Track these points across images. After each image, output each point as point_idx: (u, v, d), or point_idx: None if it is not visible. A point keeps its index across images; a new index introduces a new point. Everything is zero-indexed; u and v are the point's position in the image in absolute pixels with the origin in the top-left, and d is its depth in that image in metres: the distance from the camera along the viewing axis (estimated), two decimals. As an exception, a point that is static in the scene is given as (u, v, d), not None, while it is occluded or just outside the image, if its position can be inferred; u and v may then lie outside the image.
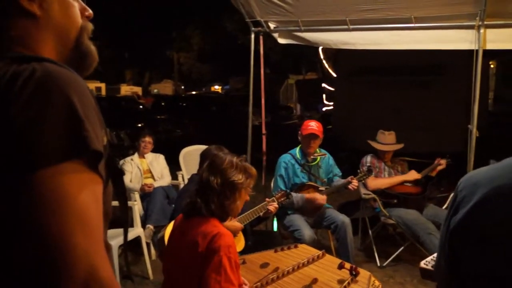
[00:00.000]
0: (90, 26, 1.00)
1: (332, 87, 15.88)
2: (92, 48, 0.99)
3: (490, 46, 4.23)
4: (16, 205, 0.69)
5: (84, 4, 1.00)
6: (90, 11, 1.01)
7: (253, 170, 2.29)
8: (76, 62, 0.94)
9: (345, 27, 4.55)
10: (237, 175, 2.17)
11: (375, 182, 4.67)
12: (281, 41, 5.06)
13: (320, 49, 13.54)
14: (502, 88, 16.60)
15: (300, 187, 4.24)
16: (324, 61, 16.47)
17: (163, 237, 2.96)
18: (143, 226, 4.58)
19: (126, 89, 35.41)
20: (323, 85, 20.01)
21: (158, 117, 17.32)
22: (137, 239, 4.28)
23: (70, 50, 0.94)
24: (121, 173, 0.91)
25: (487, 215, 1.23)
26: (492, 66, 16.92)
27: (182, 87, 42.92)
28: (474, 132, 4.23)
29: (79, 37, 0.96)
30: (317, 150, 4.38)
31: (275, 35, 5.02)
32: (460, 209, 1.30)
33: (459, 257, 1.32)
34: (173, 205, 4.01)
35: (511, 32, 4.20)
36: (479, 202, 1.24)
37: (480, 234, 1.25)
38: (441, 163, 4.81)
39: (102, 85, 33.65)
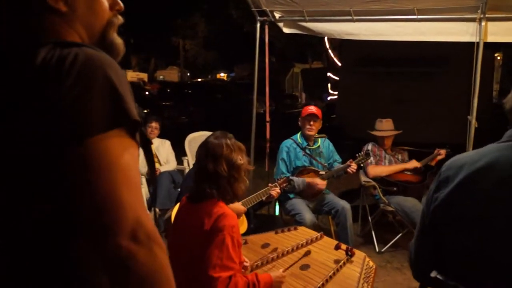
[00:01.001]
0: (119, 20, 1.09)
1: (337, 76, 15.90)
2: (118, 41, 1.08)
3: (491, 38, 4.29)
4: (70, 167, 0.82)
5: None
6: (121, 5, 1.09)
7: (243, 146, 2.36)
8: None
9: (349, 17, 4.63)
10: (237, 156, 2.26)
11: (375, 170, 4.78)
12: (286, 30, 5.14)
13: (325, 38, 13.57)
14: (508, 80, 16.56)
15: (301, 171, 4.37)
16: (329, 51, 16.49)
17: (170, 217, 3.09)
18: (149, 209, 4.71)
19: (132, 75, 35.25)
20: (329, 74, 20.01)
21: (164, 103, 17.35)
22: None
23: (95, 42, 1.03)
24: (149, 142, 1.02)
25: (467, 194, 1.35)
26: (498, 58, 16.87)
27: (188, 74, 42.82)
28: (473, 123, 4.31)
29: (105, 31, 1.05)
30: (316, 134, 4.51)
31: (280, 24, 5.09)
32: (442, 188, 1.41)
33: (440, 233, 1.43)
34: (179, 189, 4.14)
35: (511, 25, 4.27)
36: (461, 183, 1.35)
37: (460, 212, 1.36)
38: (441, 153, 4.93)
39: (108, 71, 33.49)
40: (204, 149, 2.30)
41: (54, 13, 0.96)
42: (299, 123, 4.52)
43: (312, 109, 4.43)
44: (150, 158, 1.05)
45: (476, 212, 1.33)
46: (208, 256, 2.02)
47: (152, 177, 1.19)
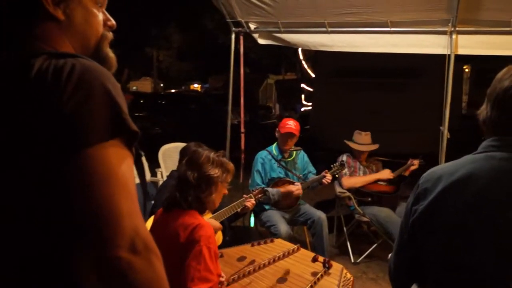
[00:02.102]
0: (111, 35, 1.12)
1: (310, 87, 16.02)
2: (111, 55, 1.11)
3: (461, 51, 4.39)
4: (70, 176, 0.82)
5: (108, 15, 1.11)
6: (113, 22, 1.12)
7: (231, 165, 2.38)
8: None
9: (324, 29, 4.65)
10: (213, 170, 2.26)
11: (350, 181, 4.80)
12: (261, 41, 5.14)
13: (299, 50, 13.68)
14: (476, 92, 16.97)
15: (277, 183, 4.35)
16: (303, 62, 16.63)
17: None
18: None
19: (104, 86, 34.83)
20: (302, 85, 20.16)
21: (137, 114, 17.17)
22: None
23: (89, 55, 1.03)
24: (141, 155, 1.02)
25: (445, 206, 1.34)
26: (466, 70, 17.30)
27: (162, 85, 42.58)
28: (446, 134, 4.38)
29: (99, 44, 1.07)
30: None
31: (255, 35, 5.09)
32: (420, 201, 1.40)
33: (420, 246, 1.42)
34: (152, 201, 4.06)
35: (481, 39, 4.36)
36: (439, 195, 1.35)
37: (439, 224, 1.35)
38: (414, 163, 4.99)
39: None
40: (187, 154, 2.31)
41: (51, 20, 0.97)
42: (276, 134, 4.50)
43: (291, 125, 4.40)
44: (142, 171, 1.05)
45: (455, 224, 1.33)
46: (186, 268, 1.98)
47: (144, 190, 1.19)
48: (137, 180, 3.61)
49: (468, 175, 1.32)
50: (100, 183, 0.82)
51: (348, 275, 2.51)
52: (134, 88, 39.29)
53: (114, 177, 0.84)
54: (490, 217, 1.27)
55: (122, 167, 0.86)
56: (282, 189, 4.25)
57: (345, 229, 4.89)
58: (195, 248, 2.00)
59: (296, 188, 4.24)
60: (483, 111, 1.41)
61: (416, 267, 1.46)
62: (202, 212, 2.30)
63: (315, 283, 2.39)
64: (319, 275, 2.44)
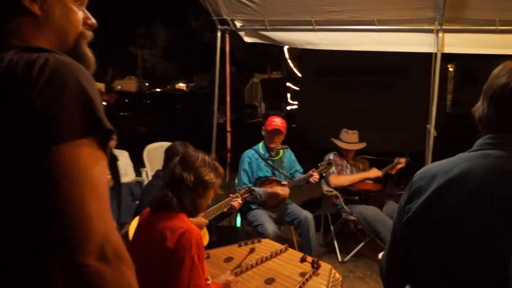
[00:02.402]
0: (90, 34, 1.09)
1: (296, 86, 16.02)
2: (90, 54, 1.07)
3: (448, 49, 4.40)
4: (40, 175, 0.78)
5: (88, 14, 1.08)
6: (94, 21, 1.09)
7: (221, 169, 2.36)
8: None
9: (310, 27, 4.63)
10: (209, 174, 2.22)
11: (337, 179, 4.79)
12: (247, 39, 5.09)
13: (285, 48, 13.66)
14: (460, 91, 17.15)
15: (264, 182, 4.31)
16: (289, 61, 16.61)
17: (127, 233, 2.96)
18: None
19: (88, 85, 34.52)
20: (288, 84, 20.16)
21: (122, 113, 17.04)
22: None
23: (67, 52, 0.99)
24: (116, 157, 0.98)
25: (439, 205, 1.31)
26: (451, 69, 17.46)
27: (146, 84, 42.35)
28: (432, 132, 4.38)
29: (77, 41, 1.04)
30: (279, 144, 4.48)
31: (241, 33, 5.04)
32: (414, 199, 1.37)
33: (413, 246, 1.39)
34: (137, 202, 3.99)
35: (467, 37, 4.37)
36: (433, 193, 1.32)
37: (433, 223, 1.32)
38: (401, 162, 4.99)
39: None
40: (173, 154, 2.26)
41: (27, 15, 0.94)
42: (263, 132, 4.47)
43: (277, 122, 4.38)
44: (116, 172, 1.01)
45: (449, 223, 1.30)
46: (180, 280, 1.96)
47: (118, 192, 1.13)
48: (125, 180, 3.57)
49: (463, 173, 1.30)
50: (71, 182, 0.78)
51: (337, 275, 2.48)
52: (119, 87, 39.01)
53: (86, 178, 0.79)
54: (484, 216, 1.25)
55: (95, 169, 0.82)
56: (269, 189, 4.21)
57: (332, 228, 4.87)
58: (187, 260, 1.97)
59: (283, 190, 4.21)
60: (479, 108, 1.38)
61: (409, 266, 1.43)
62: (194, 215, 2.27)
63: (303, 283, 2.36)
64: (307, 276, 2.40)
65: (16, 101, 0.79)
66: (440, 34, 4.28)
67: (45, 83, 0.80)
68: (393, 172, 5.00)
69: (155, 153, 5.53)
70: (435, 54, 4.31)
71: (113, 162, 0.96)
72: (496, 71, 1.34)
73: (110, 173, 0.97)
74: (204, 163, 2.23)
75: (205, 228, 3.35)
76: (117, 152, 5.39)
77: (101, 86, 35.77)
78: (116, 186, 1.04)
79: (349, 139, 4.98)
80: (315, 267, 2.48)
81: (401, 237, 1.43)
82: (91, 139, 0.82)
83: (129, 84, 40.43)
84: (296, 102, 15.24)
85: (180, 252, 1.98)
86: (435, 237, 1.32)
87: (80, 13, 1.05)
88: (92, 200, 0.79)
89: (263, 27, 4.81)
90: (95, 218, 0.78)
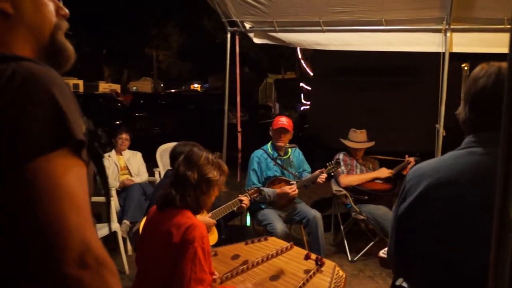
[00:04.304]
0: (65, 24, 1.03)
1: (309, 86, 16.01)
2: (68, 45, 1.02)
3: (456, 49, 4.40)
4: (11, 193, 0.76)
5: (59, 4, 1.03)
6: (66, 10, 1.04)
7: (226, 167, 2.39)
8: (52, 58, 0.98)
9: (319, 28, 4.67)
10: (213, 172, 2.27)
11: (347, 179, 4.82)
12: (257, 41, 5.14)
13: (298, 49, 13.66)
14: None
15: (273, 181, 4.36)
16: (302, 61, 16.61)
17: (138, 230, 3.03)
18: (120, 221, 4.63)
19: (104, 86, 34.93)
20: (301, 84, 20.15)
21: (137, 114, 17.21)
22: (114, 234, 4.33)
23: (44, 47, 0.98)
24: (101, 155, 0.96)
25: (429, 203, 1.36)
26: (465, 68, 17.25)
27: (161, 85, 42.61)
28: (441, 131, 4.39)
29: (53, 34, 0.99)
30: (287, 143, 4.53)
31: (251, 35, 5.10)
32: (407, 198, 1.42)
33: (406, 241, 1.44)
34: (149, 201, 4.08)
35: (476, 36, 4.37)
36: (423, 191, 1.37)
37: (423, 220, 1.37)
38: (410, 161, 5.00)
39: (80, 82, 33.08)
40: (183, 154, 2.31)
41: (0, 15, 0.90)
42: (270, 132, 4.53)
43: (283, 121, 4.44)
44: (103, 172, 0.99)
45: (437, 221, 1.34)
46: (182, 270, 2.00)
47: (106, 191, 1.14)
48: (138, 180, 3.62)
49: (451, 171, 1.34)
50: (44, 197, 0.76)
51: (341, 273, 2.52)
52: (134, 88, 39.31)
53: (60, 190, 0.78)
54: (472, 213, 1.29)
55: (67, 178, 0.79)
56: (278, 190, 4.26)
57: (342, 227, 4.90)
58: (190, 250, 2.01)
59: (292, 190, 4.24)
60: (461, 112, 1.42)
61: (403, 262, 1.48)
62: (197, 212, 2.32)
63: (307, 280, 2.41)
64: (311, 273, 2.45)
65: None
66: (448, 34, 4.28)
67: (13, 96, 0.77)
68: (405, 172, 5.00)
69: (167, 153, 5.58)
70: (443, 53, 4.32)
71: (98, 161, 0.95)
72: (474, 73, 1.38)
73: (97, 172, 0.97)
74: (207, 161, 2.27)
75: (214, 227, 3.42)
76: (131, 152, 5.49)
77: (117, 87, 36.14)
78: (104, 184, 1.02)
79: (357, 138, 5.00)
80: (319, 264, 2.52)
81: (396, 234, 1.48)
82: (63, 150, 0.80)
83: (144, 85, 40.73)
84: (309, 102, 15.23)
85: (184, 245, 2.03)
86: (423, 234, 1.37)
87: (51, 4, 0.99)
88: (67, 210, 0.77)
89: (272, 28, 4.85)
90: (73, 228, 0.76)
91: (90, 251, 0.78)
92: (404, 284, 1.43)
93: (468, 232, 1.29)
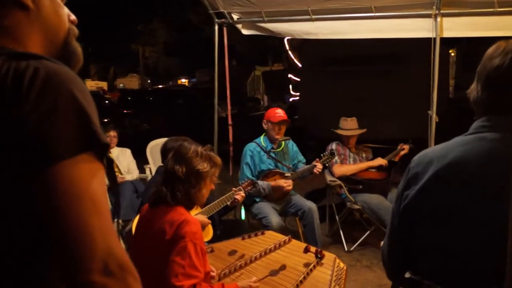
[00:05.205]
0: (76, 30, 1.02)
1: (298, 77, 15.96)
2: (79, 50, 1.01)
3: (446, 34, 4.36)
4: (35, 196, 0.74)
5: (68, 10, 1.01)
6: (74, 17, 1.03)
7: (218, 159, 2.33)
8: (63, 61, 0.93)
9: (308, 17, 4.61)
10: (202, 164, 2.20)
11: (341, 169, 4.78)
12: (245, 32, 5.07)
13: (285, 40, 13.59)
14: (462, 76, 17.04)
15: (267, 175, 4.30)
16: (289, 52, 16.53)
17: (131, 229, 2.97)
18: (112, 220, 4.54)
19: (91, 84, 34.58)
20: (289, 76, 20.10)
21: (125, 111, 17.06)
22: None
23: (58, 48, 0.96)
24: (112, 160, 0.95)
25: (436, 191, 1.30)
26: (452, 54, 17.35)
27: (149, 81, 42.30)
28: (434, 118, 4.36)
29: (67, 37, 0.98)
30: None
31: (239, 26, 5.03)
32: (412, 185, 1.36)
33: (412, 231, 1.39)
34: (141, 199, 4.01)
35: (466, 21, 4.33)
36: (430, 179, 1.31)
37: (431, 209, 1.31)
38: (404, 148, 4.98)
39: (66, 81, 32.73)
40: (173, 150, 2.26)
41: (19, 9, 0.88)
42: (265, 126, 4.43)
43: (281, 113, 4.38)
44: (114, 177, 1.00)
45: (447, 208, 1.29)
46: (170, 264, 1.94)
47: (114, 190, 1.13)
48: (129, 178, 3.58)
49: (459, 158, 1.29)
50: (70, 203, 0.75)
51: (341, 265, 2.48)
52: (121, 85, 38.98)
53: (85, 195, 0.77)
54: (480, 201, 1.24)
55: (93, 183, 0.78)
56: (272, 183, 4.21)
57: (337, 217, 4.87)
58: (180, 244, 1.95)
59: (286, 183, 4.19)
60: (473, 90, 1.36)
61: (409, 253, 1.42)
62: (190, 208, 2.26)
63: (308, 274, 2.36)
64: (311, 266, 2.41)
65: (6, 119, 0.75)
66: (438, 19, 4.24)
67: (36, 98, 0.75)
68: (397, 159, 4.98)
69: (158, 149, 5.49)
70: (434, 39, 4.28)
71: (109, 165, 0.93)
72: (489, 51, 1.32)
73: (106, 176, 0.94)
74: (196, 153, 2.21)
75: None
76: (119, 150, 5.40)
77: (104, 85, 35.86)
78: (114, 187, 1.04)
79: (348, 126, 4.97)
80: (319, 257, 2.48)
81: (399, 224, 1.43)
82: (88, 153, 0.79)
83: (131, 82, 40.39)
84: (298, 93, 15.19)
85: (175, 241, 1.98)
86: (433, 222, 1.32)
87: (66, 9, 0.99)
88: (93, 216, 0.77)
89: (260, 19, 4.79)
90: (97, 234, 0.76)
91: (114, 257, 0.77)
92: (414, 277, 1.38)
93: (478, 221, 1.24)
